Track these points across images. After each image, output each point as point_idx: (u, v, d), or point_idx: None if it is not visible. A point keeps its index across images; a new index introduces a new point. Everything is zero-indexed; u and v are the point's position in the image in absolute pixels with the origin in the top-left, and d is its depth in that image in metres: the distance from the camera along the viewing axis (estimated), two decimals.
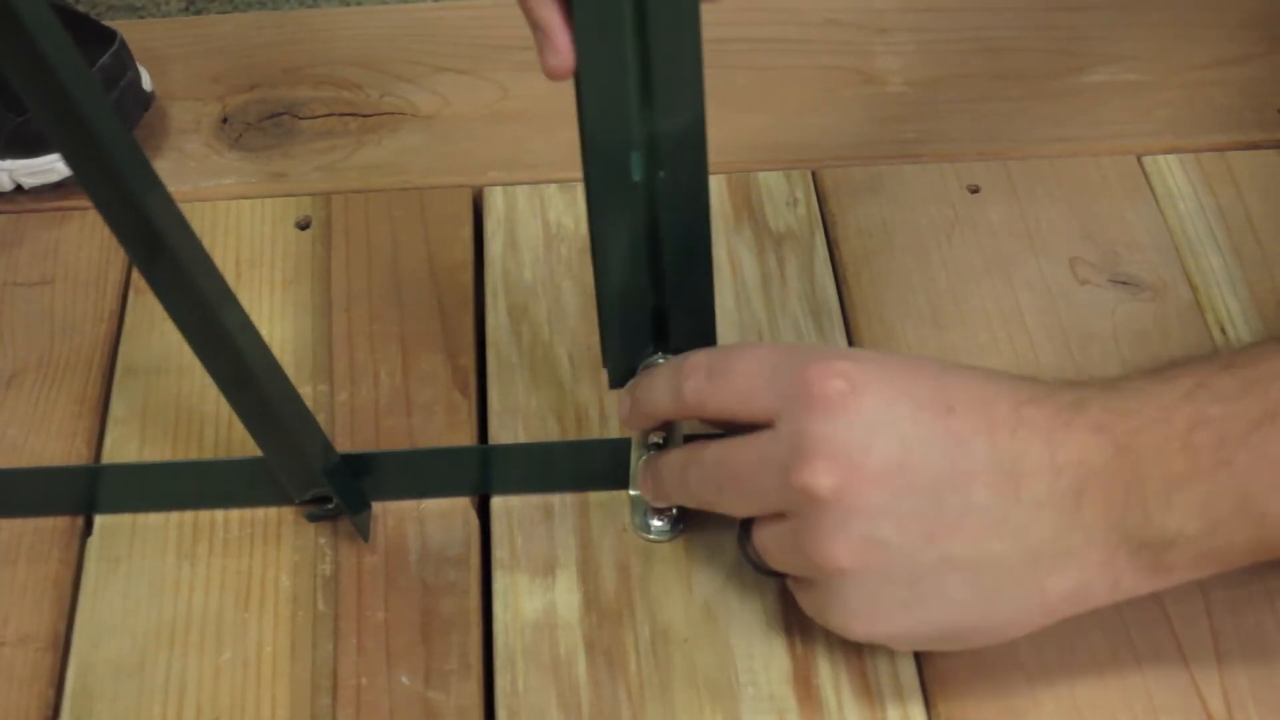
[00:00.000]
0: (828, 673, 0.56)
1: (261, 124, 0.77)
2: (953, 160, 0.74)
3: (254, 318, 0.54)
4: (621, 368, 0.58)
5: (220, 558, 0.60)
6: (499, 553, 0.60)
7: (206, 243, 0.51)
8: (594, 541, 0.60)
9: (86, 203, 0.49)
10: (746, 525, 0.55)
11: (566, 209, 0.72)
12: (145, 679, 0.57)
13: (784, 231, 0.71)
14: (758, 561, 0.55)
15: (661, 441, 0.58)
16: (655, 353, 0.58)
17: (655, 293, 0.57)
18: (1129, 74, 0.78)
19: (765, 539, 0.54)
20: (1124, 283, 0.68)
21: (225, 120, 0.77)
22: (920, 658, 0.56)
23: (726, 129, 0.74)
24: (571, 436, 0.63)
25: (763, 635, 0.57)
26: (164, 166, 0.75)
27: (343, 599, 0.59)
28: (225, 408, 0.58)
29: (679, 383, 0.54)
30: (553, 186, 0.73)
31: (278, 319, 0.68)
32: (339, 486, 0.59)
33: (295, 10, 0.93)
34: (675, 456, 0.56)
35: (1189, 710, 0.55)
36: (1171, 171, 0.73)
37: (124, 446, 0.64)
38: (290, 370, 0.57)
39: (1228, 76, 0.77)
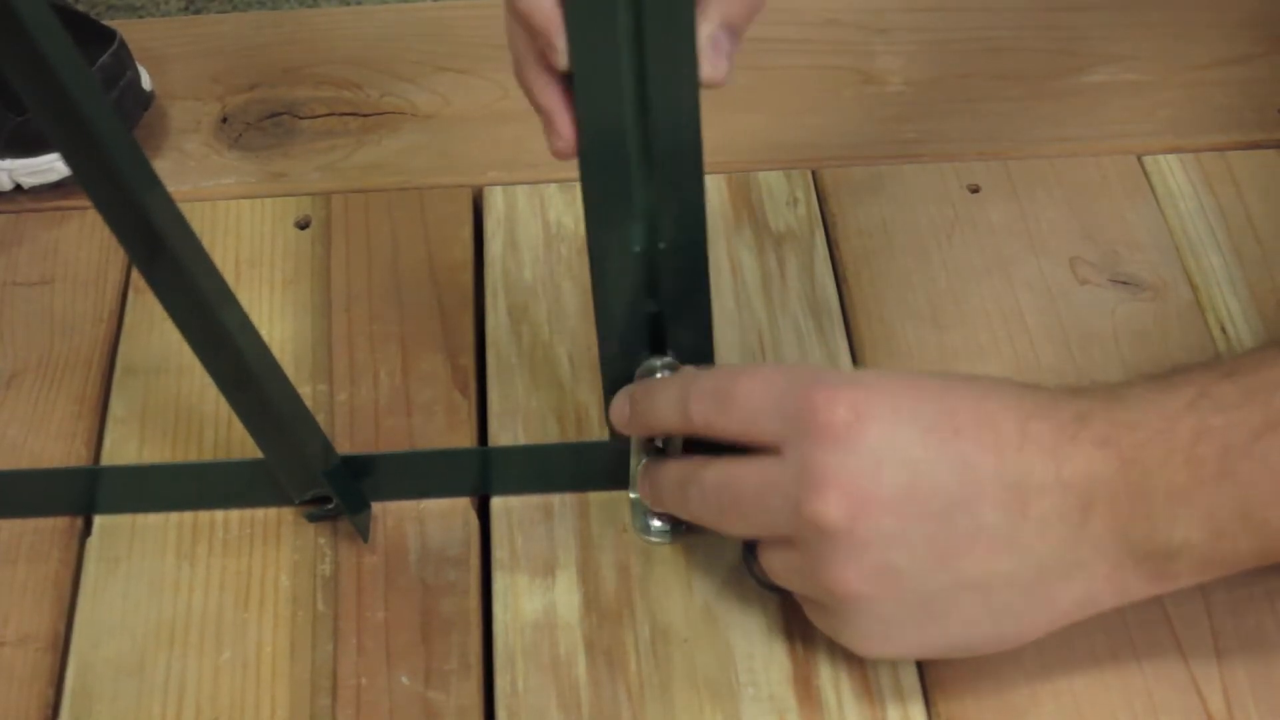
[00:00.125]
0: (828, 673, 0.56)
1: (261, 124, 0.77)
2: (953, 160, 0.74)
3: (254, 318, 0.54)
4: (618, 372, 0.58)
5: (220, 558, 0.60)
6: (499, 553, 0.60)
7: (206, 242, 0.51)
8: (594, 542, 0.60)
9: (86, 202, 0.49)
10: (751, 543, 0.55)
11: (566, 209, 0.72)
12: (145, 679, 0.57)
13: (784, 231, 0.71)
14: (763, 579, 0.55)
15: (662, 445, 0.58)
16: (653, 355, 0.58)
17: (653, 301, 0.57)
18: (1129, 74, 0.77)
19: (773, 562, 0.54)
20: (1124, 283, 0.68)
21: (225, 120, 0.77)
22: (921, 659, 0.56)
23: (726, 129, 0.74)
24: (571, 437, 0.63)
25: (763, 636, 0.57)
26: (164, 166, 0.75)
27: (342, 599, 0.59)
28: (225, 408, 0.58)
29: (685, 405, 0.54)
30: (553, 186, 0.73)
31: (277, 319, 0.68)
32: (339, 487, 0.59)
33: (295, 10, 0.93)
34: (674, 472, 0.56)
35: (1189, 710, 0.55)
36: (1172, 171, 0.73)
37: (123, 447, 0.64)
38: (290, 370, 0.57)
39: (1228, 76, 0.77)
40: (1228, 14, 0.80)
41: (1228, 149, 0.74)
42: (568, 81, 0.50)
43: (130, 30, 0.75)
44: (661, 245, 0.54)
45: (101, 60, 0.71)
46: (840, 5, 0.81)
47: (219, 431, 0.64)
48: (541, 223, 0.71)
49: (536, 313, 0.68)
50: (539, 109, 0.52)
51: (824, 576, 0.52)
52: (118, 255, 0.70)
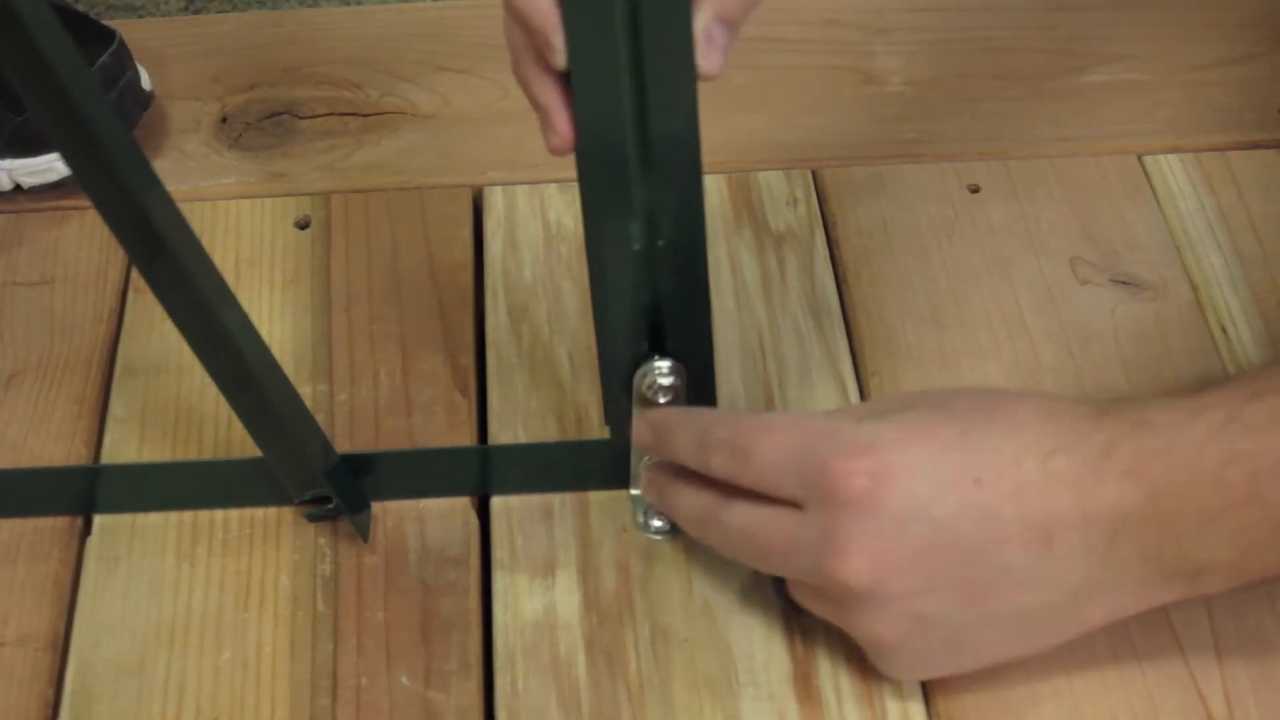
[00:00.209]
0: (828, 673, 0.56)
1: (261, 123, 0.77)
2: (953, 160, 0.74)
3: (253, 318, 0.54)
4: (617, 371, 0.58)
5: (220, 558, 0.60)
6: (499, 553, 0.60)
7: (206, 242, 0.51)
8: (594, 541, 0.60)
9: (86, 202, 0.49)
10: None
11: (566, 209, 0.72)
12: (145, 679, 0.57)
13: (784, 231, 0.71)
14: (793, 603, 0.56)
15: None
16: (653, 355, 0.58)
17: (651, 299, 0.57)
18: (1129, 74, 0.77)
19: (802, 598, 0.55)
20: (1124, 282, 0.68)
21: (225, 120, 0.77)
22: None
23: (726, 129, 0.74)
24: (571, 436, 0.63)
25: (763, 635, 0.57)
26: (163, 166, 0.75)
27: (342, 599, 0.59)
28: (225, 408, 0.58)
29: (704, 454, 0.54)
30: (553, 186, 0.73)
31: (277, 319, 0.68)
32: (339, 487, 0.59)
33: (295, 10, 0.93)
34: (692, 503, 0.56)
35: (1189, 710, 0.55)
36: (1172, 171, 0.73)
37: (123, 446, 0.64)
38: (290, 370, 0.57)
39: (1228, 76, 0.77)
40: (1228, 14, 0.80)
41: (1228, 149, 0.74)
42: (565, 79, 0.50)
43: (130, 30, 0.75)
44: (660, 243, 0.54)
45: (101, 60, 0.71)
46: (840, 5, 0.81)
47: (219, 431, 0.64)
48: (541, 223, 0.71)
49: (536, 313, 0.68)
50: (536, 106, 0.51)
51: (853, 625, 0.53)
52: (117, 255, 0.70)
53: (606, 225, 0.54)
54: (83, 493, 0.62)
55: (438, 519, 0.61)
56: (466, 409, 0.64)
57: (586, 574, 0.59)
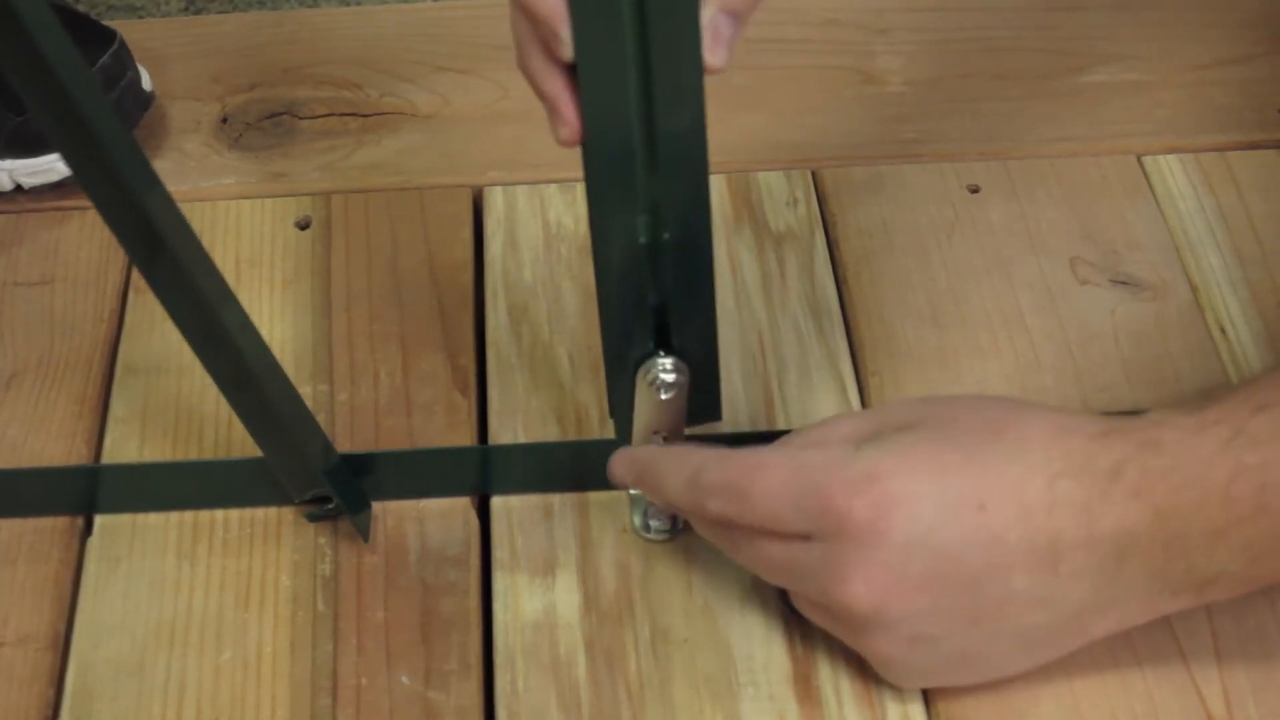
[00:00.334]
0: (828, 673, 0.56)
1: (261, 124, 0.77)
2: (953, 160, 0.74)
3: (254, 318, 0.54)
4: (621, 367, 0.58)
5: (220, 558, 0.60)
6: (499, 553, 0.60)
7: (206, 242, 0.51)
8: (594, 541, 0.60)
9: (86, 202, 0.49)
10: None
11: (566, 209, 0.72)
12: (145, 679, 0.57)
13: (784, 231, 0.71)
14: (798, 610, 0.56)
15: (666, 437, 0.58)
16: (656, 351, 0.58)
17: (656, 293, 0.57)
18: (1129, 74, 0.77)
19: (806, 612, 0.55)
20: (1124, 283, 0.68)
21: (225, 120, 0.77)
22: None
23: (726, 129, 0.74)
24: (571, 436, 0.63)
25: (763, 635, 0.57)
26: (164, 166, 0.75)
27: (343, 599, 0.59)
28: (225, 408, 0.58)
29: (699, 499, 0.53)
30: (553, 186, 0.73)
31: (278, 319, 0.68)
32: (339, 486, 0.59)
33: (295, 10, 0.93)
34: (701, 526, 0.56)
35: (1189, 711, 0.55)
36: (1171, 171, 0.73)
37: (124, 446, 0.64)
38: (290, 370, 0.57)
39: (1228, 76, 0.77)
40: (1228, 14, 0.80)
41: (1228, 149, 0.74)
42: (571, 71, 0.50)
43: (130, 30, 0.75)
44: (665, 236, 0.54)
45: (102, 61, 0.71)
46: (840, 5, 0.81)
47: (219, 431, 0.64)
48: (541, 223, 0.71)
49: (536, 313, 0.68)
50: (543, 97, 0.51)
51: (857, 643, 0.53)
52: (118, 255, 0.70)
53: (612, 218, 0.53)
54: (83, 493, 0.62)
55: (438, 519, 0.61)
56: (466, 409, 0.64)
57: (586, 574, 0.59)
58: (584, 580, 0.59)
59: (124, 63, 0.72)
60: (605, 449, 0.61)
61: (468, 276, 0.69)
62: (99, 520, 0.62)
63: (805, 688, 0.56)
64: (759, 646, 0.57)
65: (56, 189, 0.73)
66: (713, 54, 0.50)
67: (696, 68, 0.50)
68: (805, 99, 0.77)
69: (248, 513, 0.62)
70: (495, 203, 0.73)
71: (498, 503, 0.62)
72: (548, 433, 0.64)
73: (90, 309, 0.69)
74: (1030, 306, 0.67)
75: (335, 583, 0.59)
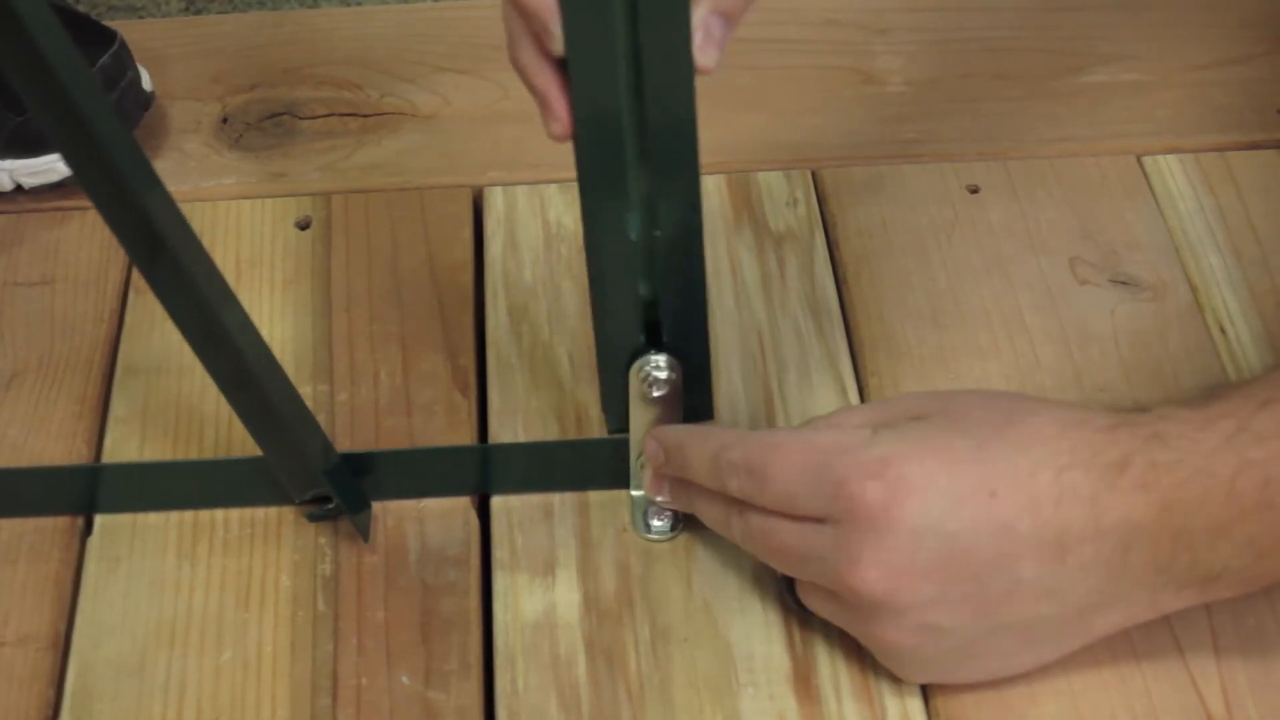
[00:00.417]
0: (827, 672, 0.56)
1: (261, 124, 0.77)
2: (953, 160, 0.74)
3: (254, 318, 0.54)
4: (615, 364, 0.58)
5: (220, 558, 0.60)
6: (499, 553, 0.60)
7: (206, 243, 0.51)
8: (594, 541, 0.60)
9: (87, 203, 0.49)
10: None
11: (566, 209, 0.72)
12: (145, 679, 0.57)
13: (784, 231, 0.71)
14: (801, 607, 0.56)
15: None
16: (650, 349, 0.58)
17: (648, 290, 0.57)
18: (1129, 74, 0.78)
19: (812, 601, 0.55)
20: (1124, 283, 0.68)
21: (225, 120, 0.77)
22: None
23: (726, 129, 0.74)
24: (571, 436, 0.63)
25: (763, 634, 0.57)
26: (164, 166, 0.75)
27: (343, 599, 0.59)
28: (225, 408, 0.58)
29: (720, 476, 0.54)
30: (553, 186, 0.73)
31: (278, 319, 0.68)
32: (339, 486, 0.59)
33: (295, 10, 0.93)
34: (713, 507, 0.56)
35: (1188, 710, 0.55)
36: (1171, 171, 0.73)
37: (124, 446, 0.64)
38: (290, 370, 0.57)
39: (1228, 76, 0.77)
40: (1228, 14, 0.80)
41: (1227, 149, 0.74)
42: (562, 65, 0.50)
43: (131, 31, 0.75)
44: (657, 233, 0.54)
45: (102, 61, 0.71)
46: (840, 5, 0.81)
47: (219, 431, 0.64)
48: (541, 223, 0.71)
49: (536, 313, 0.68)
50: (534, 91, 0.51)
51: (865, 631, 0.54)
52: (118, 255, 0.70)
53: (604, 214, 0.54)
54: (83, 492, 0.62)
55: (438, 519, 0.61)
56: (466, 409, 0.65)
57: (586, 574, 0.59)
58: (584, 580, 0.59)
59: (124, 63, 0.72)
60: (605, 449, 0.61)
61: (468, 276, 0.69)
62: (99, 520, 0.62)
63: (805, 687, 0.56)
64: (759, 646, 0.57)
65: (57, 189, 0.73)
66: (704, 54, 0.50)
67: (687, 66, 0.50)
68: (805, 99, 0.77)
69: (248, 512, 0.62)
70: (495, 203, 0.73)
71: (498, 502, 0.62)
72: (548, 433, 0.64)
73: (91, 309, 0.69)
74: (1030, 306, 0.67)
75: (335, 582, 0.59)
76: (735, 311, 0.67)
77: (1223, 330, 0.66)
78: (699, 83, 0.51)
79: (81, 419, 0.65)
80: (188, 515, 0.62)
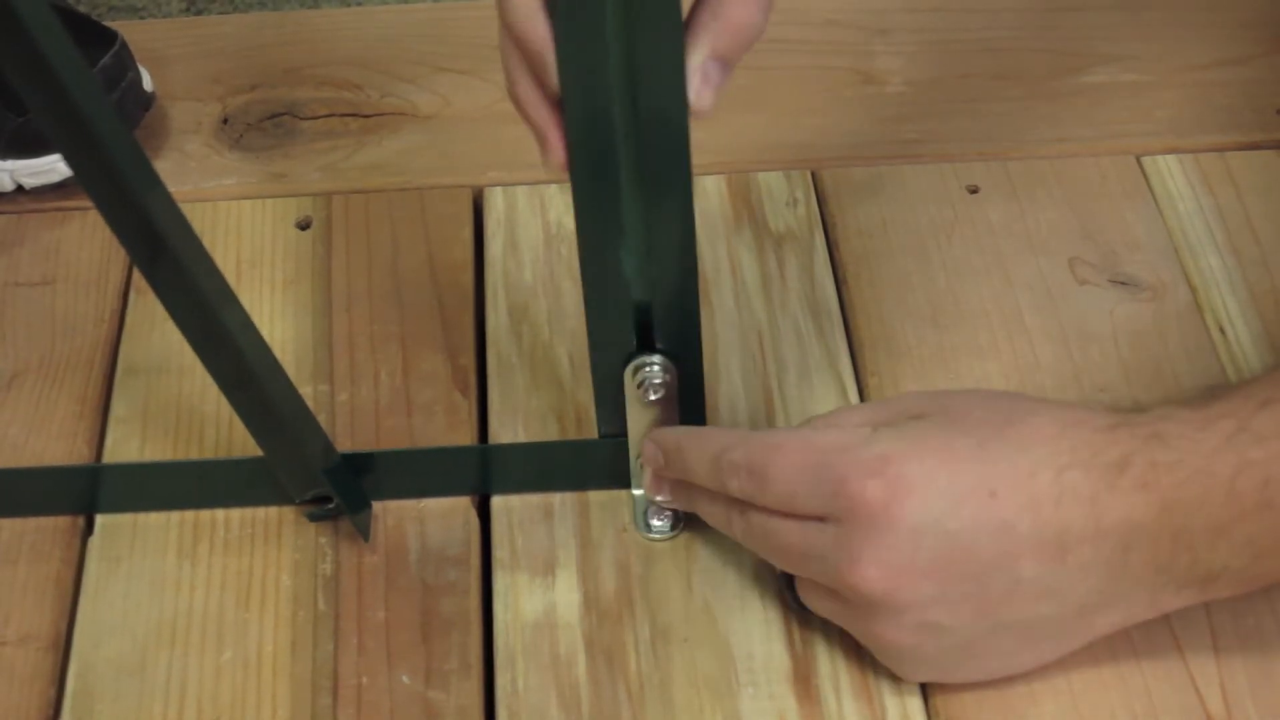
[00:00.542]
0: (827, 672, 0.56)
1: (262, 124, 0.77)
2: (952, 160, 0.74)
3: (254, 318, 0.54)
4: (610, 367, 0.58)
5: (221, 557, 0.60)
6: (499, 552, 0.60)
7: (207, 243, 0.51)
8: (594, 541, 0.60)
9: (87, 203, 0.49)
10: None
11: (567, 209, 0.72)
12: (146, 678, 0.57)
13: (784, 232, 0.71)
14: (801, 606, 0.56)
15: None
16: (643, 352, 0.58)
17: (642, 294, 0.57)
18: (1129, 74, 0.78)
19: (812, 600, 0.55)
20: (1123, 283, 0.68)
21: (226, 120, 0.77)
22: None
23: (726, 129, 0.74)
24: (571, 436, 0.63)
25: (762, 634, 0.57)
26: (165, 167, 0.75)
27: (343, 599, 0.59)
28: (226, 408, 0.58)
29: (721, 476, 0.55)
30: (553, 187, 0.73)
31: (278, 319, 0.68)
32: (339, 486, 0.59)
33: (296, 10, 0.93)
34: (714, 506, 0.56)
35: (1188, 709, 0.55)
36: (1171, 172, 0.73)
37: (125, 446, 0.64)
38: (291, 370, 0.57)
39: (1228, 76, 0.77)
40: (1228, 14, 0.80)
41: (1227, 149, 0.74)
42: (559, 100, 0.50)
43: (131, 31, 0.75)
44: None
45: (103, 61, 0.71)
46: (840, 5, 0.81)
47: (220, 431, 0.64)
48: (541, 223, 0.72)
49: (536, 313, 0.68)
50: (531, 126, 0.52)
51: (865, 630, 0.54)
52: (119, 256, 0.70)
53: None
54: (84, 492, 0.62)
55: (438, 519, 0.61)
56: (467, 409, 0.65)
57: (586, 574, 0.59)
58: (584, 580, 0.59)
59: (125, 63, 0.72)
60: (605, 449, 0.61)
61: (468, 277, 0.69)
62: (100, 520, 0.62)
63: (805, 687, 0.56)
64: (759, 645, 0.57)
65: (58, 189, 0.73)
66: (700, 98, 0.50)
67: (681, 109, 0.50)
68: (805, 99, 0.77)
69: (248, 512, 0.62)
70: (495, 203, 0.73)
71: (498, 502, 0.62)
72: (548, 433, 0.64)
73: (91, 309, 0.69)
74: (1030, 307, 0.67)
75: (336, 582, 0.60)
76: (735, 312, 0.67)
77: (1222, 331, 0.66)
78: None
79: (82, 419, 0.65)
80: (188, 515, 0.62)
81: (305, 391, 0.64)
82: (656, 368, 0.57)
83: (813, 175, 0.73)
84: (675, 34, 0.49)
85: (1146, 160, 0.73)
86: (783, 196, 0.72)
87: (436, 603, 0.59)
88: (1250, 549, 0.50)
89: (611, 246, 0.54)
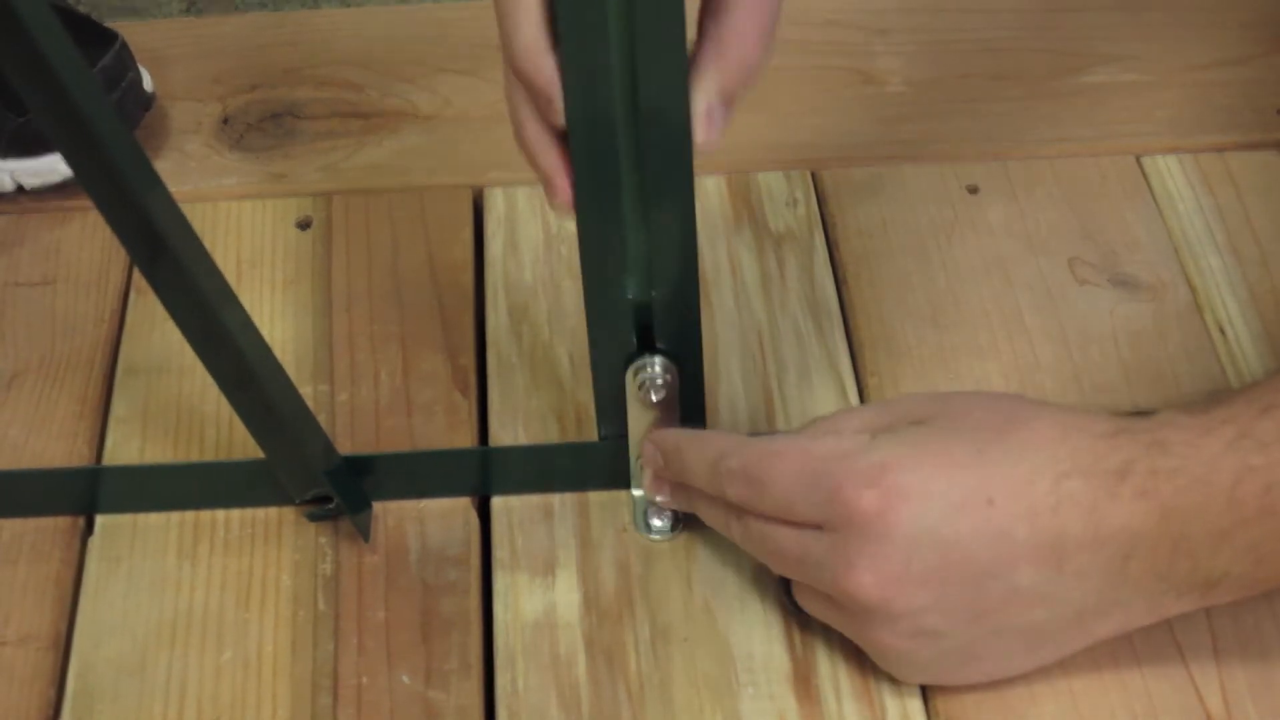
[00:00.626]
0: (827, 672, 0.56)
1: (262, 124, 0.77)
2: (952, 160, 0.74)
3: (254, 318, 0.54)
4: (608, 369, 0.58)
5: (221, 557, 0.60)
6: (499, 552, 0.60)
7: (207, 243, 0.51)
8: (594, 541, 0.60)
9: (88, 203, 0.49)
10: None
11: None
12: (146, 678, 0.57)
13: (784, 232, 0.71)
14: (799, 609, 0.56)
15: None
16: (644, 353, 0.58)
17: (642, 294, 0.57)
18: (1129, 74, 0.78)
19: (809, 604, 0.55)
20: (1123, 283, 0.68)
21: (226, 121, 0.77)
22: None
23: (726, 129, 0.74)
24: (572, 437, 0.63)
25: (762, 634, 0.57)
26: (165, 167, 0.75)
27: (343, 599, 0.59)
28: (226, 408, 0.58)
29: (719, 482, 0.55)
30: None
31: (278, 319, 0.68)
32: (340, 487, 0.59)
33: (296, 11, 0.93)
34: (714, 509, 0.57)
35: (1188, 710, 0.55)
36: (1170, 172, 0.73)
37: (125, 447, 0.64)
38: (291, 370, 0.57)
39: (1228, 76, 0.77)
40: (1228, 14, 0.80)
41: (1227, 149, 0.74)
42: (565, 140, 0.51)
43: (131, 31, 0.75)
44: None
45: (103, 61, 0.71)
46: (840, 5, 0.81)
47: (220, 431, 0.64)
48: (541, 223, 0.72)
49: (536, 313, 0.68)
50: (538, 170, 0.52)
51: (861, 635, 0.54)
52: (119, 256, 0.71)
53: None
54: (84, 493, 0.62)
55: (438, 519, 0.61)
56: (467, 409, 0.65)
57: (586, 574, 0.59)
58: (584, 580, 0.59)
59: (125, 63, 0.72)
60: (605, 451, 0.61)
61: (468, 277, 0.69)
62: (100, 520, 0.62)
63: (805, 687, 0.56)
64: (759, 646, 0.57)
65: (58, 190, 0.73)
66: (705, 137, 0.50)
67: (686, 144, 0.50)
68: (805, 99, 0.77)
69: (249, 513, 0.62)
70: (496, 203, 0.73)
71: (498, 502, 0.62)
72: (548, 433, 0.64)
73: (91, 309, 0.69)
74: (1030, 307, 0.67)
75: (336, 582, 0.60)
76: (735, 312, 0.67)
77: (1222, 331, 0.66)
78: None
79: (82, 419, 0.65)
80: (188, 515, 0.62)
81: (305, 391, 0.64)
82: (657, 368, 0.57)
83: (813, 175, 0.73)
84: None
85: (1146, 160, 0.73)
86: (782, 196, 0.72)
87: (436, 603, 0.59)
88: (1252, 555, 0.50)
89: (612, 247, 0.54)
